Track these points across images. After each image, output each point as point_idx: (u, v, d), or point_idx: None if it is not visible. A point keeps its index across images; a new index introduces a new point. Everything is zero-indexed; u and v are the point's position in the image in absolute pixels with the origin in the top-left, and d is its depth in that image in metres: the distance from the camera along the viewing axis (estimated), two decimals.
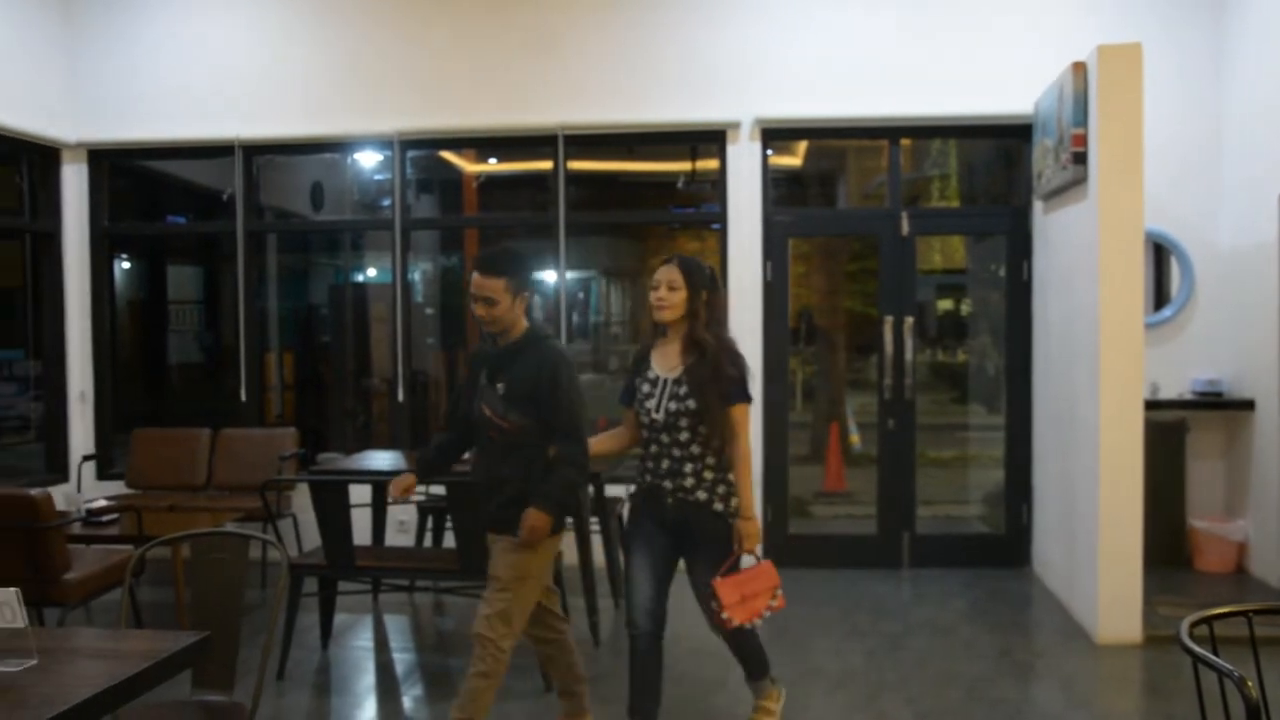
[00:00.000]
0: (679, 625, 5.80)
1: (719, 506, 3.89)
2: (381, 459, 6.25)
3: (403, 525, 6.94)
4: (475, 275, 3.76)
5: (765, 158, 7.14)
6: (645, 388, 3.93)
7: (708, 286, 3.91)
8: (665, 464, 3.89)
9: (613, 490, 6.27)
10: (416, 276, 7.87)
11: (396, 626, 6.04)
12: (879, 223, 7.24)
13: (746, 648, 4.18)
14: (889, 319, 7.09)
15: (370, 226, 8.80)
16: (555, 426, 3.79)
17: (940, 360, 12.02)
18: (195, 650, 2.63)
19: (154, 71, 7.51)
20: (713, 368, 3.80)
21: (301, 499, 6.76)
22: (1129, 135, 5.48)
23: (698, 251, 11.99)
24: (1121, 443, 5.47)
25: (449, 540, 6.37)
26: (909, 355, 7.09)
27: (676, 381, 3.84)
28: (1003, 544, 7.21)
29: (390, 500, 4.14)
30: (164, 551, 4.35)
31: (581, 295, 11.94)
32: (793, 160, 8.14)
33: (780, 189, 7.62)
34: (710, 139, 7.26)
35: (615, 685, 4.92)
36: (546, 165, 7.34)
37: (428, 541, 6.58)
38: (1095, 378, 5.54)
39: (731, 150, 7.12)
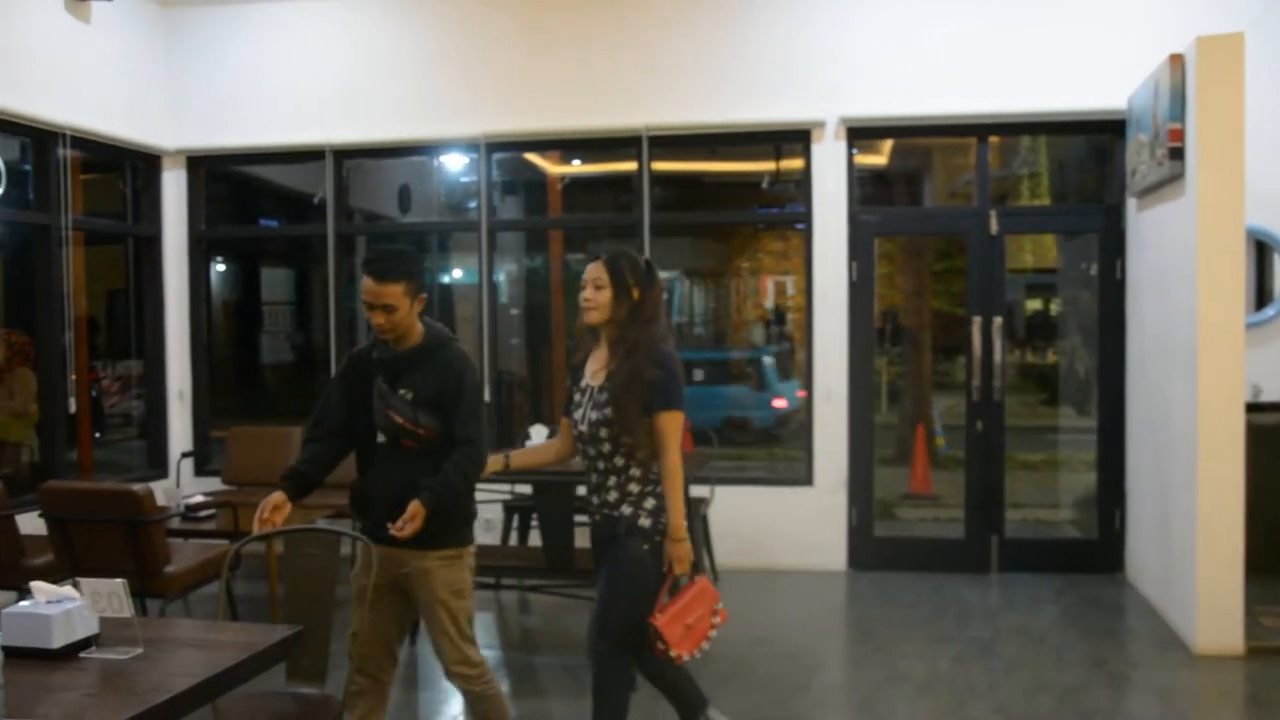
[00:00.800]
0: (761, 629, 5.80)
1: (645, 522, 3.54)
2: None
3: (489, 523, 7.02)
4: (369, 282, 3.46)
5: (850, 157, 7.08)
6: (576, 397, 3.67)
7: (640, 283, 3.58)
8: (594, 478, 3.64)
9: (697, 491, 6.27)
10: (501, 277, 7.96)
11: (482, 623, 6.10)
12: (967, 221, 7.13)
13: (678, 685, 3.84)
14: (977, 319, 6.98)
15: (456, 228, 8.92)
16: (458, 432, 3.55)
17: (1029, 361, 11.80)
18: (289, 644, 2.70)
19: (249, 80, 7.71)
20: (631, 371, 3.48)
21: None
22: (1229, 129, 5.32)
23: (781, 252, 11.93)
24: (1221, 447, 5.31)
25: (534, 539, 6.42)
26: (998, 356, 6.97)
27: (600, 389, 3.57)
28: (1095, 549, 7.05)
29: (255, 529, 3.44)
30: (259, 546, 4.45)
31: (665, 296, 11.96)
32: (878, 159, 8.06)
33: (865, 188, 7.54)
34: (795, 138, 7.22)
35: (699, 684, 4.92)
36: (630, 166, 7.37)
37: (513, 540, 6.64)
38: (1193, 380, 5.39)
39: (816, 149, 7.08)
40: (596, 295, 3.55)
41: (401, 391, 3.55)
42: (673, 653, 3.45)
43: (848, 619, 6.25)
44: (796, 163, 7.34)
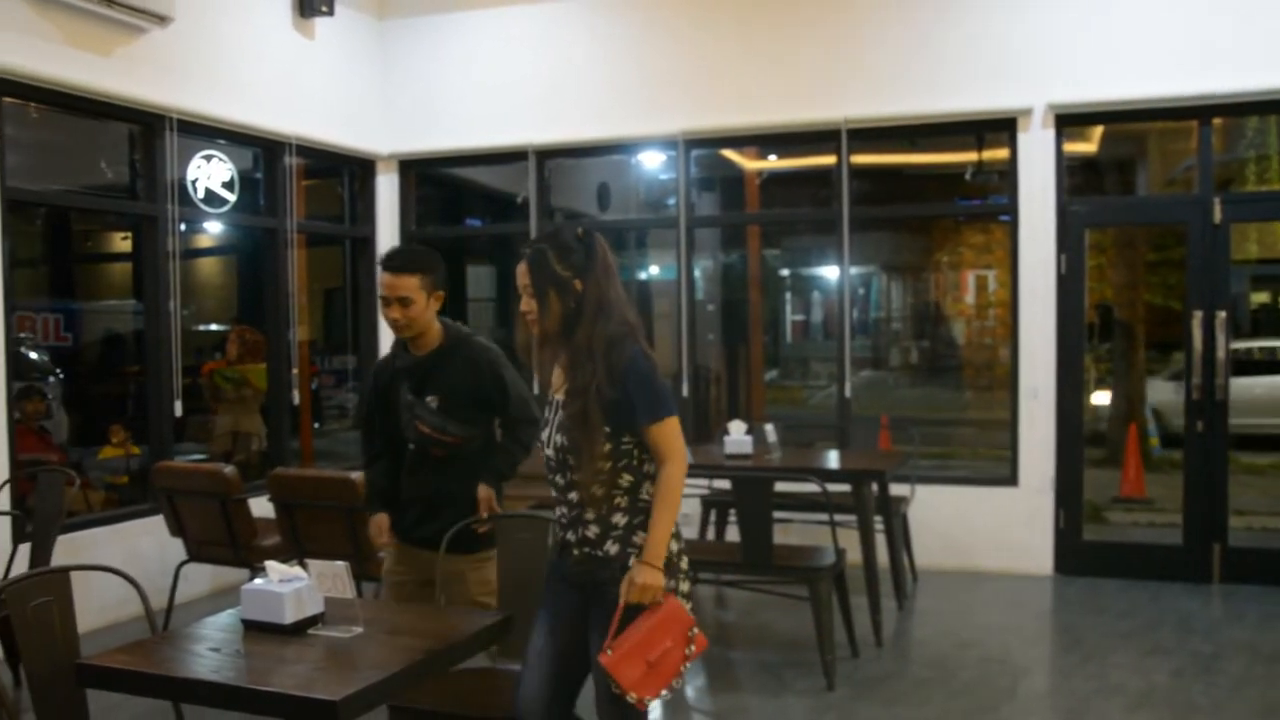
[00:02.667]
0: (963, 632, 5.65)
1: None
2: None
3: (686, 518, 7.08)
4: (386, 276, 3.47)
5: (1059, 145, 6.79)
6: (546, 413, 2.97)
7: (578, 269, 2.82)
8: (567, 511, 2.88)
9: (898, 489, 6.17)
10: (698, 273, 8.01)
11: None
12: (1187, 210, 6.73)
13: None
14: (1197, 313, 6.58)
15: (655, 225, 9.03)
16: (514, 417, 3.62)
17: (1256, 358, 11.08)
18: (501, 628, 2.80)
19: (456, 86, 8.02)
20: (582, 395, 2.76)
21: None
22: None
23: (983, 245, 11.57)
24: None
25: (731, 534, 6.44)
26: (1220, 352, 6.55)
27: (562, 407, 2.85)
28: None
29: (379, 552, 3.70)
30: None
31: (862, 291, 11.78)
32: (1087, 146, 7.72)
33: (1074, 177, 7.23)
34: (999, 127, 6.98)
35: (898, 686, 4.84)
36: (829, 160, 7.29)
37: (710, 534, 6.69)
38: None
39: (1022, 138, 6.82)
40: (531, 304, 2.86)
41: (429, 399, 3.53)
42: (630, 697, 2.67)
43: (1054, 626, 6.02)
44: (1000, 152, 7.10)
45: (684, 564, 2.86)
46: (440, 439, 3.54)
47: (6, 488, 5.33)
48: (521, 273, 2.85)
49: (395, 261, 3.50)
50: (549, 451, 2.89)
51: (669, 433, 2.78)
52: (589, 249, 2.84)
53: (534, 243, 2.90)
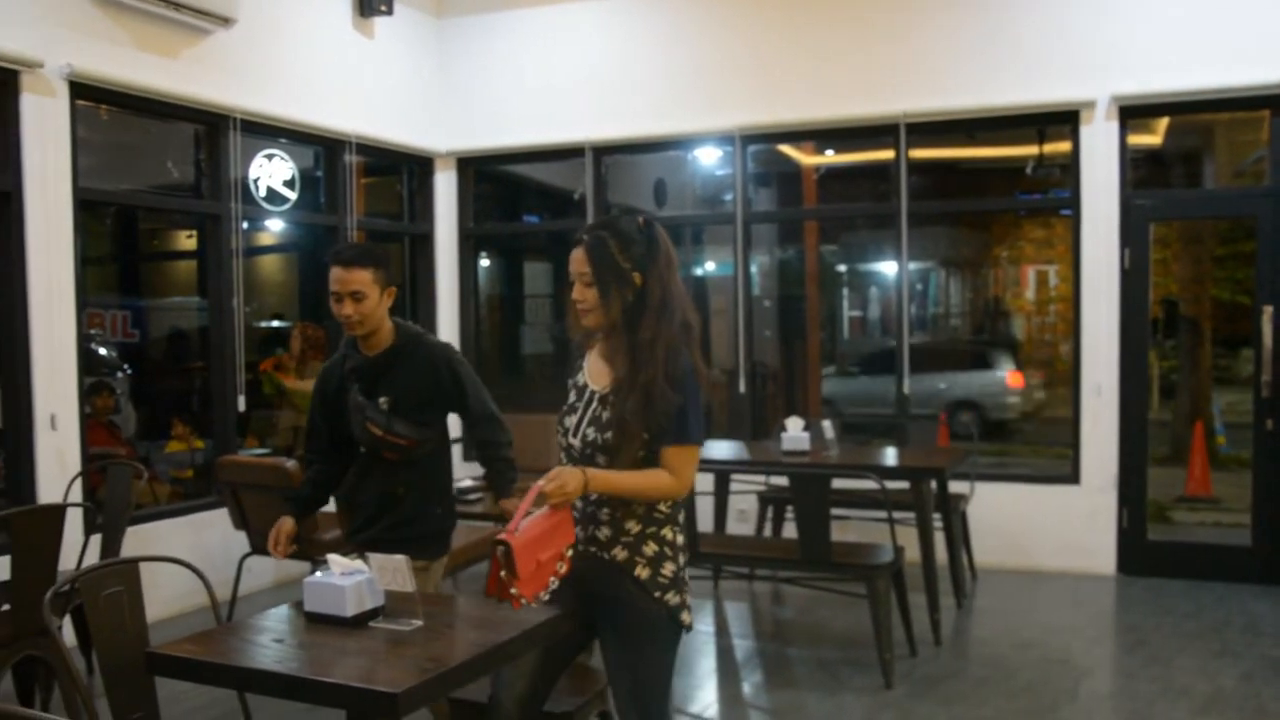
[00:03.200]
0: (1023, 631, 5.58)
1: (644, 573, 2.74)
2: (723, 448, 6.40)
3: (743, 514, 7.07)
4: (337, 270, 3.39)
5: (1123, 137, 6.68)
6: (571, 396, 2.87)
7: (639, 263, 2.71)
8: (581, 506, 2.80)
9: (957, 486, 6.11)
10: (754, 269, 7.98)
11: (736, 613, 6.17)
12: (1257, 202, 6.58)
13: None
14: (1268, 309, 6.43)
15: (712, 221, 9.01)
16: (474, 416, 3.56)
17: None
18: (557, 624, 2.81)
19: (513, 84, 8.06)
20: (643, 395, 2.66)
21: None
22: None
23: (1043, 240, 11.41)
24: None
25: (788, 530, 6.42)
26: None
27: (602, 400, 2.76)
28: None
29: (275, 554, 3.48)
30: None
31: (920, 287, 11.67)
32: (1151, 139, 7.57)
33: (1138, 170, 7.10)
34: (1061, 120, 6.87)
35: (957, 686, 4.80)
36: (887, 155, 7.23)
37: (767, 531, 6.67)
38: None
39: (1085, 131, 6.71)
40: (586, 293, 2.72)
41: (380, 400, 3.44)
42: (514, 590, 2.51)
43: (1117, 626, 5.92)
44: (1062, 145, 6.99)
45: (666, 570, 2.79)
46: (393, 441, 3.44)
47: (79, 480, 5.46)
48: (579, 260, 2.71)
49: (347, 255, 3.44)
50: (573, 441, 2.78)
51: (689, 459, 2.73)
52: (651, 240, 2.72)
53: (592, 229, 2.74)
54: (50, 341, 5.48)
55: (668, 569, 2.78)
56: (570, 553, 2.66)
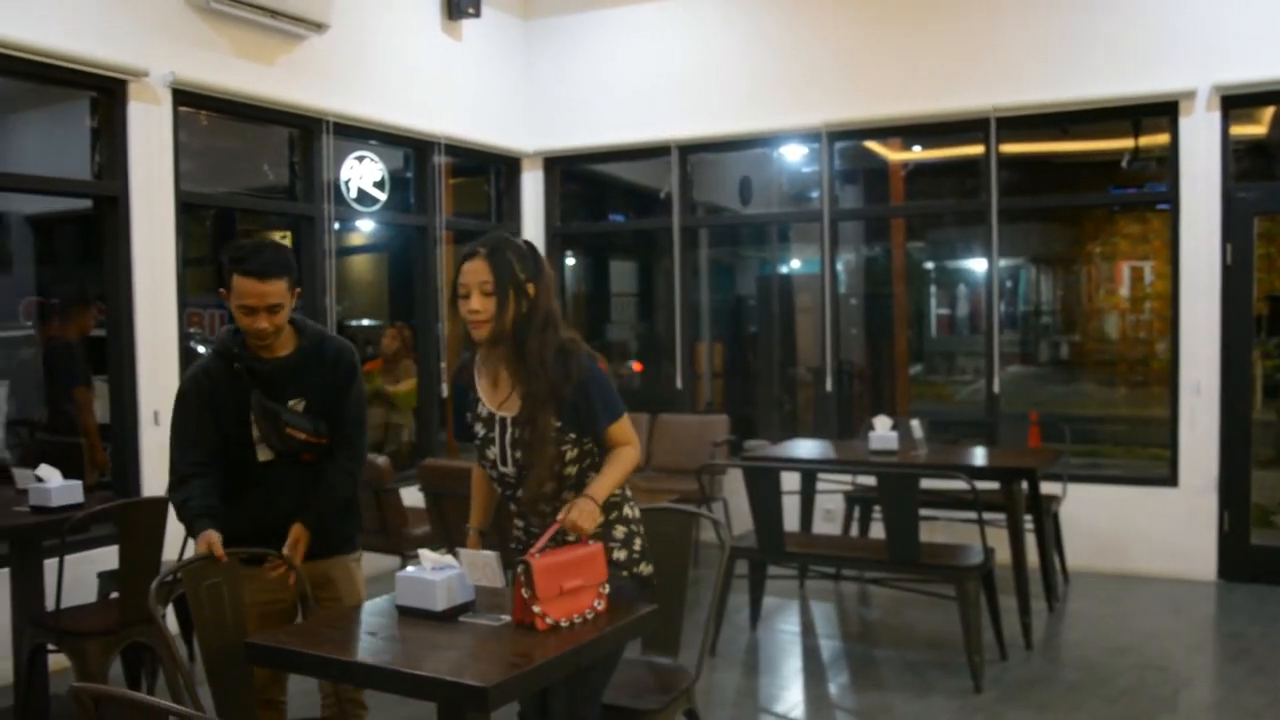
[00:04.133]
0: (1119, 637, 5.45)
1: (619, 554, 2.90)
2: (808, 447, 6.36)
3: (829, 514, 7.02)
4: (250, 282, 3.02)
5: (1225, 128, 6.47)
6: (479, 429, 2.94)
7: (531, 275, 2.85)
8: (536, 521, 2.93)
9: (1049, 487, 5.99)
10: (840, 267, 7.91)
11: (822, 613, 6.13)
12: None
13: None
14: None
15: (798, 218, 8.96)
16: (343, 434, 3.25)
17: None
18: (648, 620, 2.83)
19: (598, 84, 8.11)
20: (542, 401, 2.81)
21: (732, 483, 7.02)
22: None
23: (1139, 235, 11.11)
24: None
25: (875, 530, 6.36)
26: None
27: (515, 423, 2.85)
28: None
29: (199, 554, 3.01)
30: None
31: (1010, 284, 11.45)
32: (1255, 129, 7.31)
33: (1241, 161, 6.88)
34: (1159, 111, 6.69)
35: (1049, 691, 4.70)
36: (976, 150, 7.12)
37: (854, 531, 6.61)
38: None
39: (1185, 122, 6.53)
40: (485, 303, 2.79)
41: (291, 403, 3.19)
42: (536, 608, 2.57)
43: (1219, 634, 5.75)
44: (1160, 138, 6.81)
45: (637, 545, 2.96)
46: (316, 442, 3.23)
47: None
48: (479, 269, 2.80)
49: (260, 265, 3.05)
50: (506, 469, 2.89)
51: (626, 426, 2.91)
52: (537, 257, 2.90)
53: (489, 242, 2.85)
54: (154, 340, 5.66)
55: (637, 544, 2.96)
56: (606, 590, 2.73)
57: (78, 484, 4.43)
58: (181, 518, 3.11)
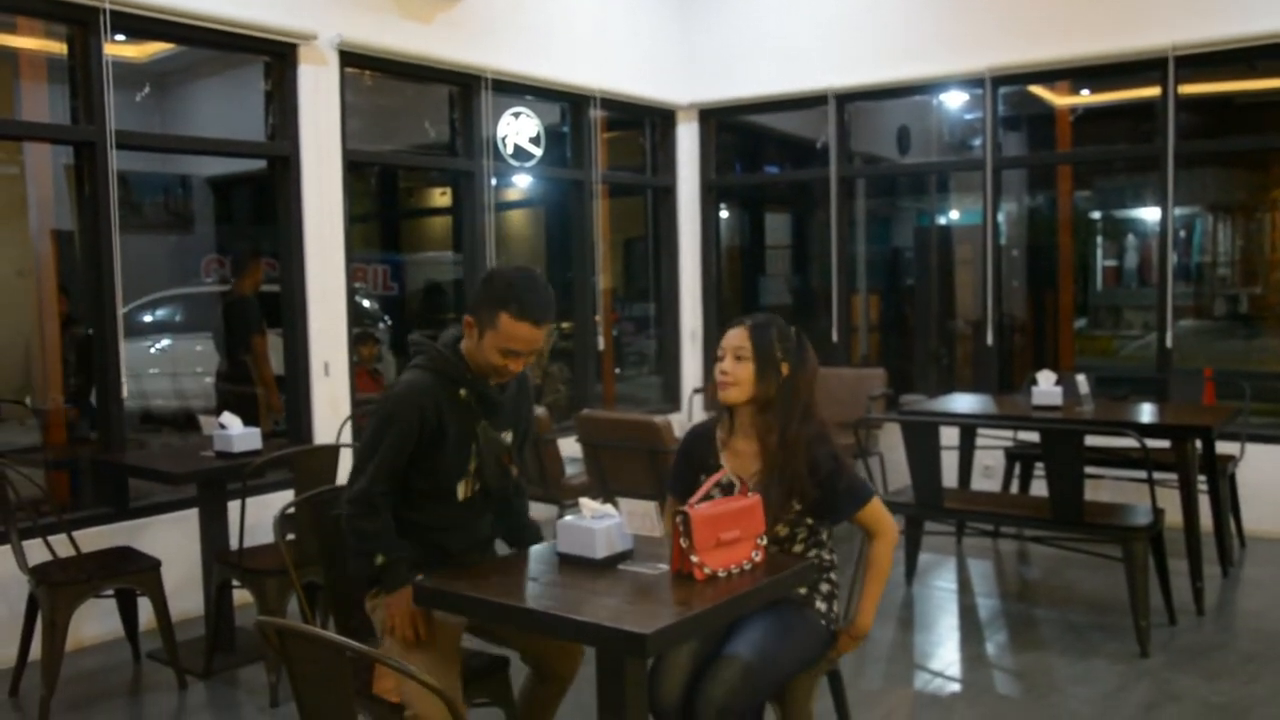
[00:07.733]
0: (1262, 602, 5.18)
1: (820, 605, 3.06)
2: (967, 401, 6.22)
3: (988, 470, 6.87)
4: (527, 328, 2.85)
5: None
6: (716, 494, 2.89)
7: (790, 357, 3.00)
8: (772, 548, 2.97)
9: (1225, 447, 5.72)
10: (1001, 217, 7.65)
11: (979, 571, 6.02)
12: None
13: None
14: None
15: (959, 167, 8.70)
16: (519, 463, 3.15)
17: None
18: (806, 573, 2.84)
19: (754, 33, 8.01)
20: (790, 482, 2.94)
21: (888, 438, 6.93)
22: None
23: None
24: None
25: (1037, 488, 6.20)
26: None
27: (749, 489, 2.86)
28: None
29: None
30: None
31: (1184, 234, 10.90)
32: None
33: None
34: None
35: (1222, 659, 4.52)
36: (1152, 91, 6.76)
37: (1014, 488, 6.46)
38: None
39: None
40: (736, 368, 2.97)
41: (503, 434, 3.09)
42: (695, 557, 2.60)
43: None
44: None
45: (835, 606, 3.12)
46: (517, 477, 3.21)
47: (348, 423, 5.87)
48: (740, 336, 3.00)
49: (542, 311, 2.87)
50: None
51: (876, 510, 3.03)
52: (802, 346, 3.04)
53: (758, 317, 3.07)
54: (324, 295, 5.91)
55: (835, 606, 3.12)
56: (764, 542, 2.77)
57: (256, 431, 4.70)
58: (366, 546, 2.94)
